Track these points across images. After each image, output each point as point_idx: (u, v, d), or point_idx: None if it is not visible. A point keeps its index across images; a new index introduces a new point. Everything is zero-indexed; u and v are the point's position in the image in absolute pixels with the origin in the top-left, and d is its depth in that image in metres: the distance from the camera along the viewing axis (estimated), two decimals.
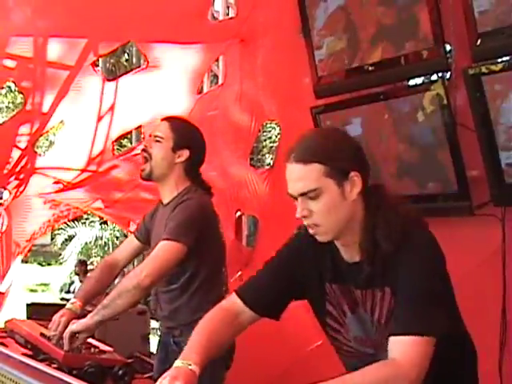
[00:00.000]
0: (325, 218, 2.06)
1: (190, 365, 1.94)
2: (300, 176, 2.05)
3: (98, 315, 2.98)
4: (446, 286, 2.11)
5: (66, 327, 3.00)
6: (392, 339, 1.93)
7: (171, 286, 3.29)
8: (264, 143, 18.48)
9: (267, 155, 18.54)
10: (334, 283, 2.21)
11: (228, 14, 5.98)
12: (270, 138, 18.29)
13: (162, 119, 3.45)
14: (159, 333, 3.54)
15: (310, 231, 2.11)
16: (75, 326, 2.97)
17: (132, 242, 3.59)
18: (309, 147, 2.09)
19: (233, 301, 2.29)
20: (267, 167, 6.51)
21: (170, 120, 3.41)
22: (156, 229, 3.39)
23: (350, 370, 2.25)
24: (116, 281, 3.77)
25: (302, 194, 2.05)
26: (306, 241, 2.22)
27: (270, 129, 17.07)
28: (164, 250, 3.06)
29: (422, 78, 4.05)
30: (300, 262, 2.27)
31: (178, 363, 1.96)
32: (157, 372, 3.10)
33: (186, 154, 3.29)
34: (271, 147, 18.31)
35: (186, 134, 3.35)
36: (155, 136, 3.31)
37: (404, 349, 1.89)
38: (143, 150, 3.36)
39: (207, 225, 3.24)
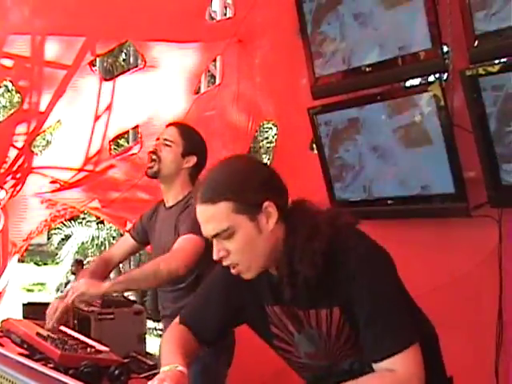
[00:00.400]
0: (243, 256, 1.97)
1: (176, 367, 1.93)
2: (209, 217, 1.96)
3: (119, 285, 3.00)
4: (399, 289, 2.05)
5: (63, 315, 3.02)
6: (379, 365, 1.89)
7: (177, 286, 3.34)
8: (261, 143, 18.49)
9: (264, 155, 18.55)
10: (274, 305, 2.13)
11: (226, 14, 5.99)
12: (267, 138, 18.30)
13: (169, 124, 3.57)
14: (155, 333, 3.57)
15: (233, 271, 2.02)
16: (87, 287, 2.96)
17: (127, 241, 3.67)
18: (214, 185, 1.97)
19: (184, 327, 2.29)
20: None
21: (178, 126, 3.53)
22: (160, 231, 3.47)
23: (308, 380, 2.25)
24: (112, 275, 3.78)
25: (215, 235, 1.96)
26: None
27: (266, 129, 17.09)
28: (190, 243, 3.08)
29: (419, 79, 4.06)
30: (236, 290, 2.19)
31: (164, 368, 1.95)
32: None
33: (193, 160, 3.41)
34: (268, 148, 18.32)
35: (194, 141, 3.47)
36: (165, 139, 3.43)
37: (395, 367, 1.86)
38: (152, 153, 3.45)
39: None
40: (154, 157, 3.42)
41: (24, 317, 4.98)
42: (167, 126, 3.56)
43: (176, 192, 3.42)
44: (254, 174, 2.01)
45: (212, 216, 1.94)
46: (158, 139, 3.52)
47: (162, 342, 2.23)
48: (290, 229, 2.00)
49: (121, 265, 18.53)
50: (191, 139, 3.46)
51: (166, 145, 3.41)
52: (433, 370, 2.05)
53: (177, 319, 2.33)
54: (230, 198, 1.92)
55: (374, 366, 1.91)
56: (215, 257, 2.00)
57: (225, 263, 2.01)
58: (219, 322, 2.26)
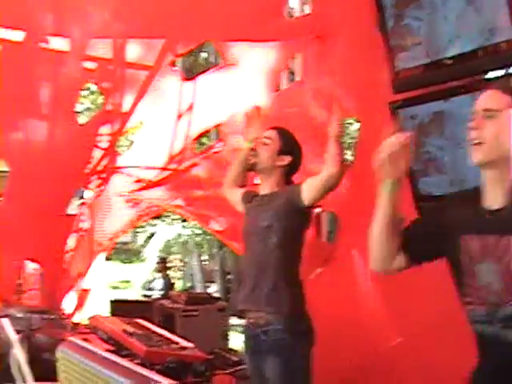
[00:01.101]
0: (491, 138, 2.25)
1: None
2: (495, 96, 2.30)
3: None
4: None
5: None
6: None
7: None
8: (342, 139, 18.39)
9: (346, 151, 18.46)
10: (470, 233, 2.32)
11: (303, 11, 5.97)
12: (349, 134, 18.20)
13: (269, 128, 3.85)
14: (239, 329, 3.60)
15: (471, 147, 2.31)
16: None
17: (236, 193, 3.99)
18: None
19: None
20: (347, 163, 6.50)
21: (277, 128, 3.81)
22: (255, 213, 3.72)
23: (477, 329, 2.30)
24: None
25: (486, 110, 2.28)
26: (453, 198, 2.61)
27: (347, 125, 16.97)
28: None
29: (502, 71, 3.98)
30: (446, 219, 2.42)
31: None
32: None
33: (288, 159, 3.70)
34: (350, 143, 18.23)
35: (291, 142, 3.78)
36: (264, 137, 3.74)
37: None
38: (252, 149, 3.80)
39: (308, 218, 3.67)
40: (252, 152, 3.75)
41: (111, 313, 5.09)
42: (267, 128, 3.83)
43: (271, 187, 3.69)
44: None
45: (497, 97, 2.30)
46: (258, 138, 3.79)
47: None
48: None
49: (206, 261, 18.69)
50: (288, 140, 3.75)
51: (265, 143, 3.70)
52: None
53: None
54: None
55: None
56: (471, 124, 2.33)
57: (472, 135, 2.32)
58: (424, 241, 2.47)
